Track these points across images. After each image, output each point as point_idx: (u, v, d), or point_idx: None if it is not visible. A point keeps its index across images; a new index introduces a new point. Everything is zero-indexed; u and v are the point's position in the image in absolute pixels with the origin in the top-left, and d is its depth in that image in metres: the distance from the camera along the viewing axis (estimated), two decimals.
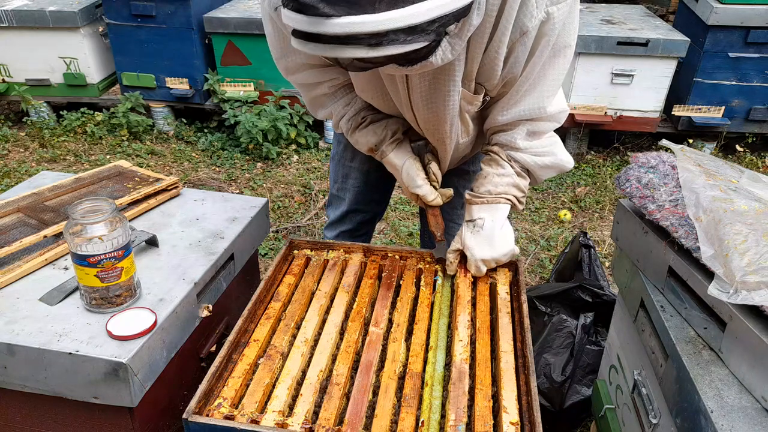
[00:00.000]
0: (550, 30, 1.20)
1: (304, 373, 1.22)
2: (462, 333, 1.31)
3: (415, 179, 1.46)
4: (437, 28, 0.93)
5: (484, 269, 1.45)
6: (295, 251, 1.62)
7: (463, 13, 0.97)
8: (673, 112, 3.97)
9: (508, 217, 1.45)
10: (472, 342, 1.32)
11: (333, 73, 1.42)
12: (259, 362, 1.24)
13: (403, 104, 1.37)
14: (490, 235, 1.41)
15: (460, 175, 1.74)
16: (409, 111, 1.38)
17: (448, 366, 1.26)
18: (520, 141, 1.40)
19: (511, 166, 1.42)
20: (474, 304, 1.43)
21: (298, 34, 0.94)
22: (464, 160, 1.66)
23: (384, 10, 0.87)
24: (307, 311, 1.39)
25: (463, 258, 1.49)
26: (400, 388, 1.19)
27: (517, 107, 1.35)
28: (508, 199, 1.42)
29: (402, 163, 1.47)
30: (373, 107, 1.48)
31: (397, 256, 1.59)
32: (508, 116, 1.37)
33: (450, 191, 1.52)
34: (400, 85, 1.31)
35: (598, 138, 4.20)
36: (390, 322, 1.37)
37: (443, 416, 1.13)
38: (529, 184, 1.47)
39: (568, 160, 1.48)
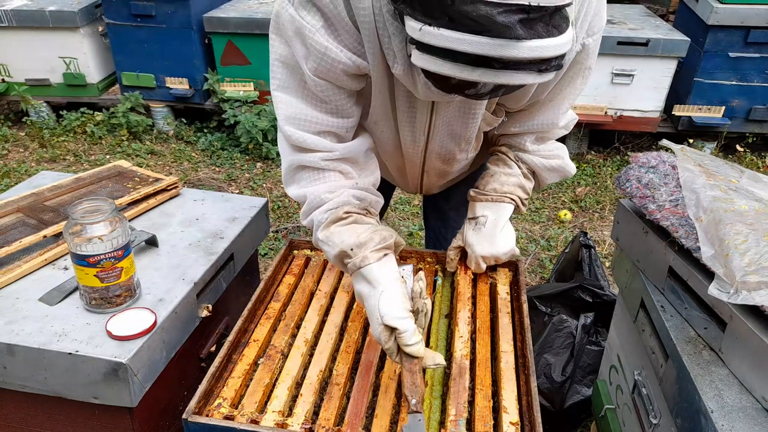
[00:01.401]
0: (583, 59, 1.23)
1: (304, 373, 1.22)
2: (462, 329, 1.31)
3: (399, 308, 1.11)
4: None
5: (484, 266, 1.45)
6: (295, 251, 1.62)
7: None
8: (673, 112, 3.97)
9: (509, 219, 1.45)
10: (473, 339, 1.32)
11: (329, 144, 1.24)
12: (258, 362, 1.24)
13: (417, 130, 1.32)
14: (491, 232, 1.41)
15: (468, 184, 1.73)
16: (422, 136, 1.34)
17: (447, 364, 1.25)
18: (528, 144, 1.42)
19: (519, 166, 1.43)
20: (474, 302, 1.43)
21: (463, 58, 0.88)
22: (462, 174, 1.65)
23: (556, 35, 0.88)
24: (306, 311, 1.39)
25: (463, 255, 1.49)
26: (400, 388, 1.19)
27: (531, 121, 1.37)
28: (513, 199, 1.42)
29: (385, 282, 1.15)
30: (360, 204, 1.27)
31: (397, 257, 1.59)
32: (520, 128, 1.39)
33: (441, 360, 1.13)
34: (422, 112, 1.27)
35: (599, 138, 4.20)
36: None
37: (443, 412, 1.13)
38: (533, 188, 1.48)
39: (572, 166, 1.49)
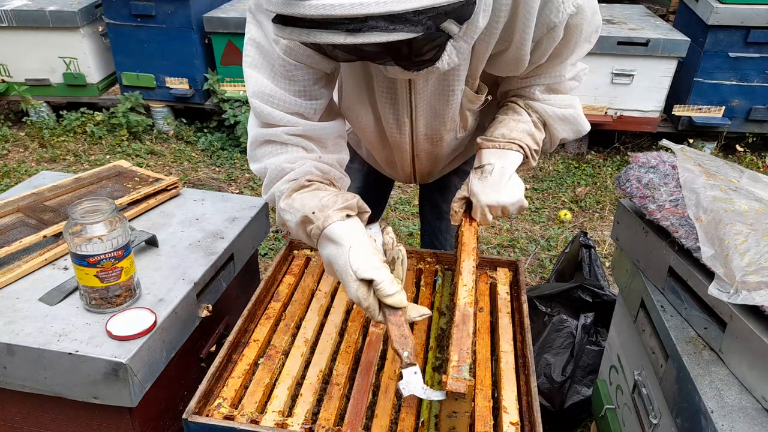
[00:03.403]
0: (581, 21, 1.20)
1: (304, 373, 1.22)
2: (466, 278, 1.22)
3: (372, 259, 1.08)
4: (425, 21, 0.89)
5: (490, 217, 1.34)
6: (295, 251, 1.62)
7: (462, 13, 0.95)
8: (673, 112, 3.97)
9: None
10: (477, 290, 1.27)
11: (294, 119, 1.22)
12: (258, 362, 1.24)
13: (400, 112, 1.32)
14: (498, 180, 1.32)
15: (461, 175, 1.72)
16: (406, 118, 1.34)
17: (450, 315, 1.21)
18: (538, 93, 1.37)
19: (529, 114, 1.37)
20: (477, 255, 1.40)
21: (277, 18, 0.92)
22: (458, 158, 1.63)
23: None
24: (306, 311, 1.39)
25: (468, 208, 1.39)
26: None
27: (538, 78, 1.34)
28: (521, 147, 1.33)
29: (351, 238, 1.11)
30: (323, 175, 1.24)
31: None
32: (527, 83, 1.36)
33: (426, 310, 1.11)
34: (402, 91, 1.28)
35: (599, 138, 4.20)
36: None
37: (446, 360, 1.07)
38: (544, 146, 1.41)
39: (585, 120, 1.43)
